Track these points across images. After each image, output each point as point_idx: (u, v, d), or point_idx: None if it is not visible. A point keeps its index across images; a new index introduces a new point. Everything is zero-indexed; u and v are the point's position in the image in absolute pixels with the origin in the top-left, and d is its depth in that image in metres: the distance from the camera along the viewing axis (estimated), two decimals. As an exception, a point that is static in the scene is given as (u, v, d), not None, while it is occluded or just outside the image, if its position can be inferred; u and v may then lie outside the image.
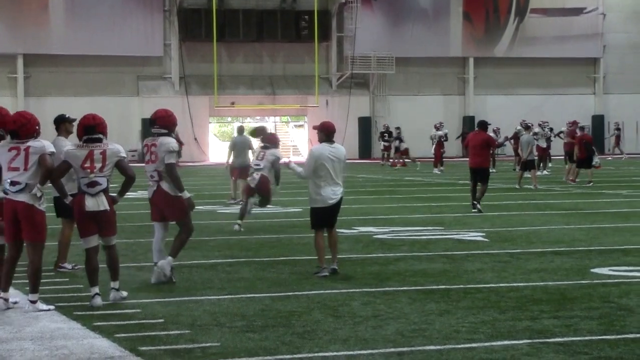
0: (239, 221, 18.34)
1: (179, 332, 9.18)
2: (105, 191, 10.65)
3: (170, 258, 12.09)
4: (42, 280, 10.62)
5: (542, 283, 11.91)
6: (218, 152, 55.84)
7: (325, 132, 12.91)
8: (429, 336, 8.91)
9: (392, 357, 8.16)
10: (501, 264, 13.58)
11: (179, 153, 12.44)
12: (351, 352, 8.33)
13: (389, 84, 60.15)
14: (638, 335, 8.92)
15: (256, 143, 21.75)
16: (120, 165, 10.74)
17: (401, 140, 46.66)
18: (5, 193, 10.37)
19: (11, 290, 10.74)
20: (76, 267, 13.14)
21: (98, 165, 10.62)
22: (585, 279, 12.22)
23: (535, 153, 33.78)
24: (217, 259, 14.39)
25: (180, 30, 56.67)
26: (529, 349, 8.37)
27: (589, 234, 17.25)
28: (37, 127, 10.50)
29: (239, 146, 25.01)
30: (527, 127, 33.66)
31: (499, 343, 8.61)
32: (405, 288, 11.62)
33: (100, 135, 10.73)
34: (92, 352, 8.41)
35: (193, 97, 56.89)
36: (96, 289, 10.61)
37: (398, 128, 47.73)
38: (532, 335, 8.90)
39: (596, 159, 32.01)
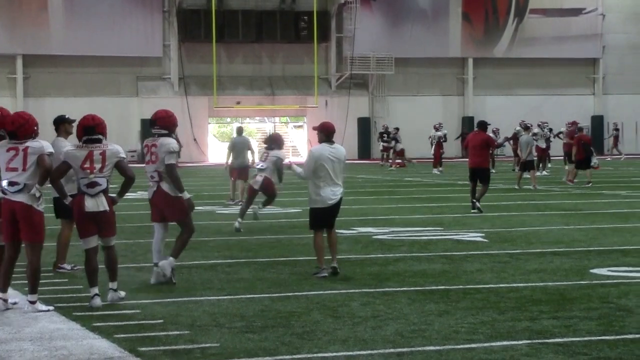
0: (239, 219, 18.34)
1: (178, 332, 9.18)
2: (105, 192, 10.65)
3: (171, 259, 12.08)
4: (41, 281, 10.62)
5: (541, 283, 11.91)
6: (217, 153, 55.83)
7: (325, 133, 12.91)
8: (429, 337, 8.91)
9: (392, 358, 8.16)
10: (500, 265, 13.57)
11: (178, 154, 12.44)
12: (350, 353, 8.33)
13: (388, 84, 60.12)
14: (637, 336, 8.93)
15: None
16: (119, 166, 10.74)
17: (397, 141, 46.50)
18: (4, 193, 10.37)
19: (10, 290, 10.74)
20: (75, 268, 13.13)
21: (98, 165, 10.62)
22: (585, 280, 12.22)
23: (535, 153, 33.75)
24: (217, 259, 14.39)
25: (180, 30, 56.65)
26: (528, 350, 8.37)
27: (588, 235, 17.25)
28: (35, 128, 10.50)
29: (238, 147, 25.03)
30: (527, 128, 33.63)
31: (498, 343, 8.61)
32: (404, 288, 11.62)
33: (100, 136, 10.73)
34: (91, 353, 8.41)
35: (192, 97, 56.87)
36: (95, 290, 10.61)
37: (397, 128, 47.70)
38: (532, 336, 8.90)
39: (595, 160, 32.02)
